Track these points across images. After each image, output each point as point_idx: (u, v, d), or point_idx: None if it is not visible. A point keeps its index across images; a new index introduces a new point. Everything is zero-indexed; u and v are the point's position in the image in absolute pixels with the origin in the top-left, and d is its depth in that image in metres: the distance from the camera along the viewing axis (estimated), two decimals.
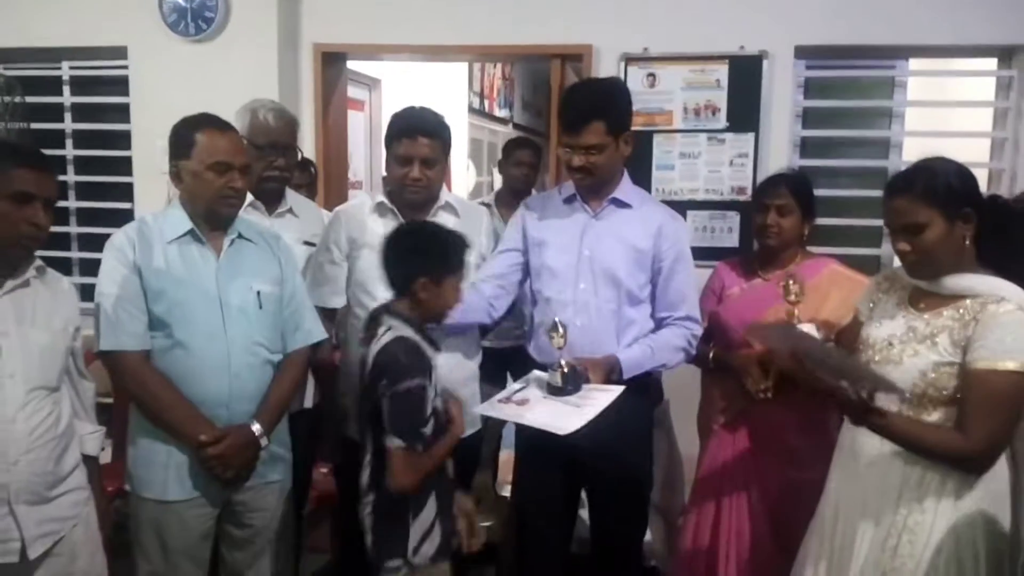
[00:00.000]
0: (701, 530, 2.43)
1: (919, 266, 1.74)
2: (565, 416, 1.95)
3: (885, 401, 1.71)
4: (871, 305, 1.92)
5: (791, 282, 2.16)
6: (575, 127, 2.15)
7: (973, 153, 3.50)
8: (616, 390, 2.04)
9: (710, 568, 2.39)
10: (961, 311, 1.69)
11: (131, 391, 1.99)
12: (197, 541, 2.03)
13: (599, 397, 2.02)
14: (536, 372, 2.21)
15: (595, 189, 2.27)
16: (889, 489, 1.75)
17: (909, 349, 1.73)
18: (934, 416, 1.70)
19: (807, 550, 1.96)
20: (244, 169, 2.02)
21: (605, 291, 2.25)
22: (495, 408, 2.08)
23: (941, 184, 1.69)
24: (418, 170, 2.23)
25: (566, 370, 2.05)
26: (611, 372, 2.17)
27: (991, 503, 1.69)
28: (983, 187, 3.37)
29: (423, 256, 1.91)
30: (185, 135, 1.99)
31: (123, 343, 1.93)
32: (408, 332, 1.88)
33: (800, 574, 1.97)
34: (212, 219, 2.02)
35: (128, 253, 1.96)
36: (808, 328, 1.91)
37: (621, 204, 2.29)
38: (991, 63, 3.46)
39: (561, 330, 2.07)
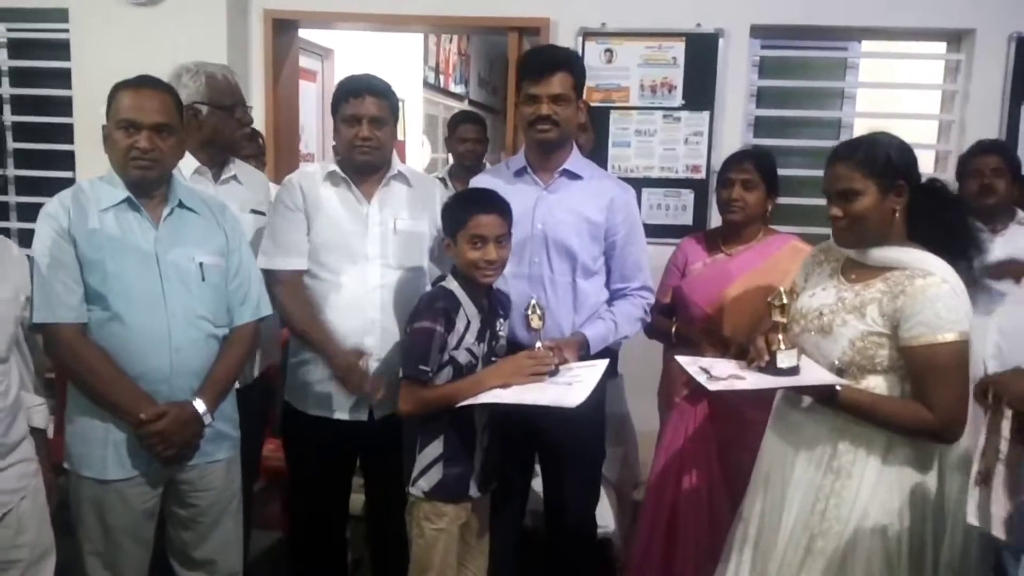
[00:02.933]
0: (662, 501, 2.46)
1: (847, 232, 1.80)
2: (563, 393, 1.93)
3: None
4: (806, 276, 1.99)
5: (783, 299, 1.86)
6: (543, 74, 2.16)
7: (921, 135, 3.58)
8: (600, 364, 2.05)
9: (670, 537, 2.43)
10: (889, 283, 1.75)
11: (67, 366, 1.91)
12: (140, 520, 1.98)
13: (585, 373, 2.01)
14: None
15: (549, 152, 2.26)
16: (818, 450, 1.83)
17: (839, 319, 1.80)
18: (862, 384, 1.77)
19: (742, 507, 2.04)
20: (158, 128, 1.89)
21: (559, 264, 2.25)
22: (477, 396, 2.00)
23: (880, 155, 1.76)
24: (367, 129, 2.18)
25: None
26: (580, 350, 2.18)
27: (918, 467, 1.76)
28: (930, 168, 3.49)
29: (441, 218, 2.11)
30: (110, 96, 1.92)
31: (57, 315, 1.85)
32: (453, 285, 2.04)
33: (735, 530, 2.04)
34: (131, 184, 1.92)
35: (62, 221, 1.87)
36: (790, 355, 1.79)
37: (572, 176, 2.29)
38: (940, 47, 3.52)
39: (539, 311, 2.05)
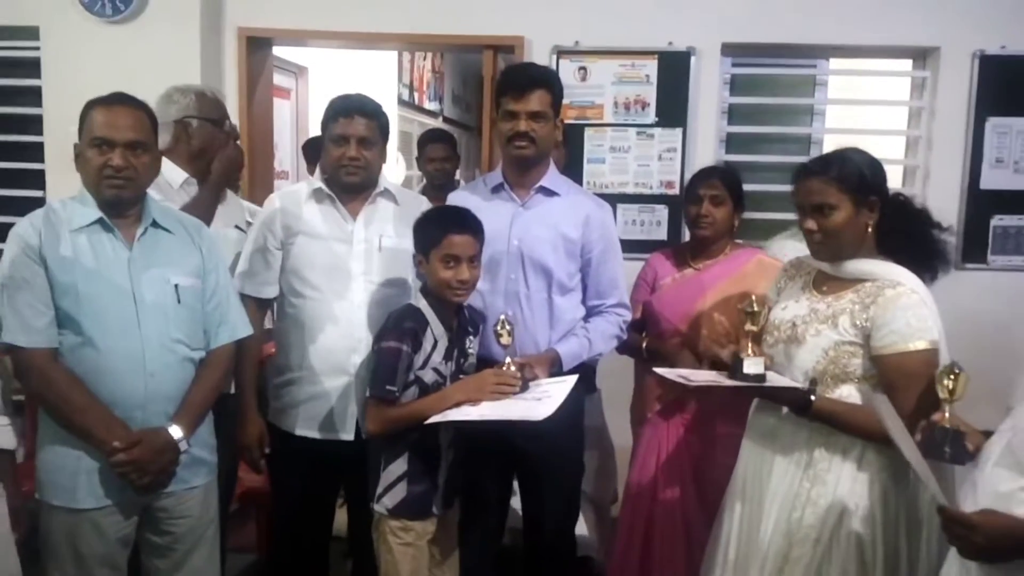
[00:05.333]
0: (638, 516, 2.47)
1: (823, 246, 1.85)
2: (530, 408, 1.93)
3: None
4: (779, 290, 2.03)
5: (754, 307, 1.93)
6: (522, 91, 2.19)
7: (889, 150, 3.64)
8: (570, 380, 2.05)
9: (646, 552, 2.44)
10: (860, 294, 1.80)
11: (37, 392, 1.87)
12: (114, 549, 1.93)
13: (554, 388, 2.01)
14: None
15: (526, 169, 2.27)
16: (794, 456, 1.86)
17: (812, 329, 1.84)
18: (835, 393, 1.81)
19: (720, 517, 2.07)
20: (133, 146, 1.87)
21: (535, 281, 2.26)
22: (445, 414, 1.97)
23: (854, 171, 1.81)
24: (355, 149, 2.19)
25: (513, 368, 2.04)
26: (552, 366, 2.19)
27: (893, 475, 1.79)
28: (898, 183, 3.55)
29: (414, 234, 2.09)
30: (82, 114, 1.90)
31: (27, 340, 1.81)
32: (422, 303, 2.04)
33: (715, 540, 2.07)
34: (105, 204, 1.89)
35: (33, 243, 1.83)
36: (756, 362, 1.85)
37: (549, 193, 2.30)
38: (906, 64, 3.60)
39: (508, 327, 2.05)
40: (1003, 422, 1.46)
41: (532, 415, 1.88)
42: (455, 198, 2.40)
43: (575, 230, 2.27)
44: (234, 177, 2.55)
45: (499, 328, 2.05)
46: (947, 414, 1.51)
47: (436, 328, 2.03)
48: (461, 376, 2.09)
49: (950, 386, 1.50)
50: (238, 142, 2.63)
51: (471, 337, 2.16)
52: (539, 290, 2.26)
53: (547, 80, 2.25)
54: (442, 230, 2.01)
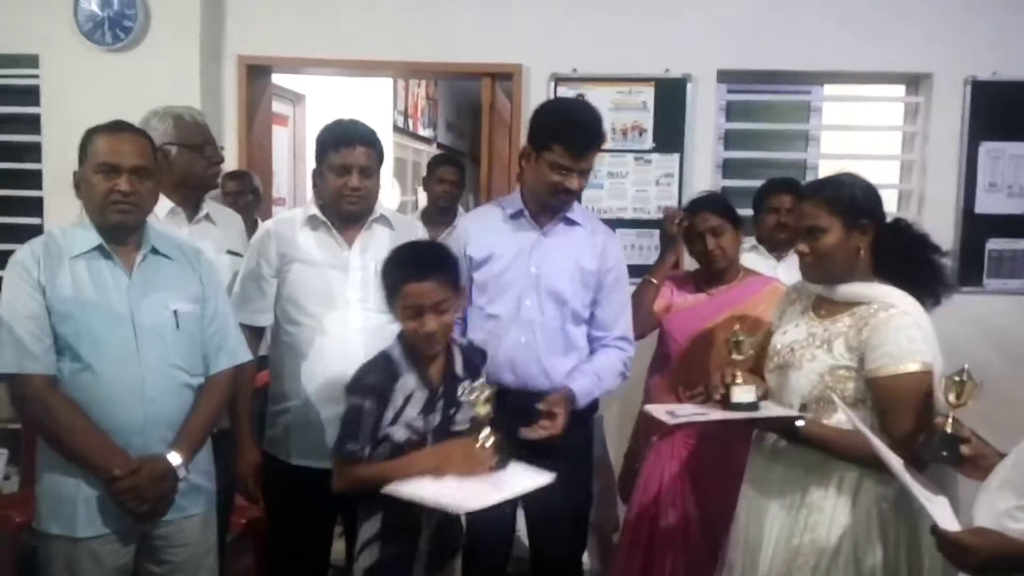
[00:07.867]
0: (637, 543, 2.45)
1: (813, 268, 1.87)
2: (471, 492, 1.70)
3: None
4: (780, 315, 2.04)
5: (739, 336, 1.92)
6: (583, 152, 2.18)
7: (884, 175, 3.67)
8: (544, 478, 1.80)
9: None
10: (855, 317, 1.80)
11: (35, 419, 1.84)
12: None
13: (522, 481, 1.79)
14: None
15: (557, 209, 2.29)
16: (789, 492, 1.85)
17: (808, 354, 1.84)
18: (834, 419, 1.80)
19: (723, 556, 2.06)
20: (138, 172, 1.87)
21: (550, 309, 2.25)
22: (398, 486, 1.75)
23: (845, 195, 1.83)
24: (357, 179, 2.18)
25: (493, 439, 1.78)
26: (570, 405, 2.16)
27: (891, 503, 1.77)
28: (893, 208, 3.57)
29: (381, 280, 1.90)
30: (84, 142, 1.90)
31: (25, 366, 1.79)
32: (396, 352, 1.86)
33: (720, 568, 2.06)
34: (108, 229, 1.88)
35: (32, 270, 1.83)
36: (746, 391, 1.83)
37: (571, 223, 2.30)
38: (899, 90, 3.64)
39: (487, 393, 1.76)
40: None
41: (454, 505, 1.68)
42: (470, 219, 2.41)
43: (593, 261, 2.27)
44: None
45: (474, 397, 1.76)
46: (949, 419, 1.54)
47: (410, 380, 1.84)
48: (454, 428, 1.89)
49: (956, 391, 1.53)
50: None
51: (465, 384, 1.90)
52: (554, 318, 2.25)
53: (603, 138, 2.26)
54: (399, 279, 1.82)
